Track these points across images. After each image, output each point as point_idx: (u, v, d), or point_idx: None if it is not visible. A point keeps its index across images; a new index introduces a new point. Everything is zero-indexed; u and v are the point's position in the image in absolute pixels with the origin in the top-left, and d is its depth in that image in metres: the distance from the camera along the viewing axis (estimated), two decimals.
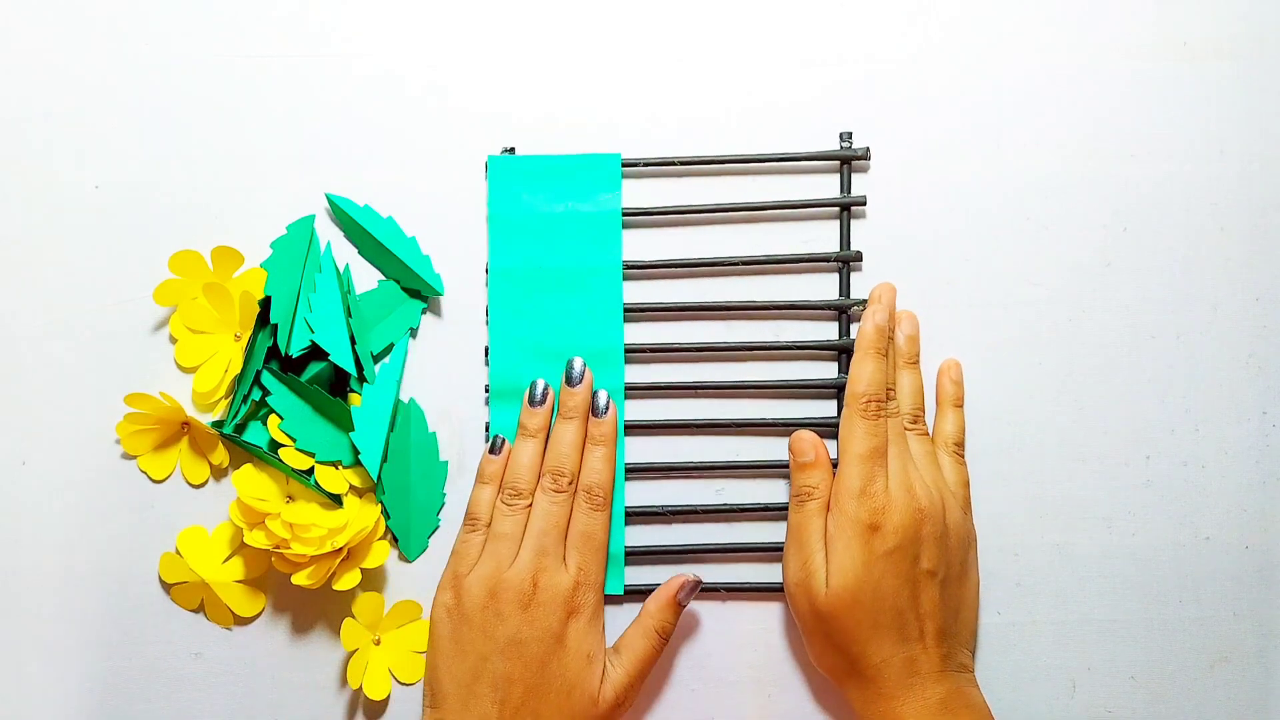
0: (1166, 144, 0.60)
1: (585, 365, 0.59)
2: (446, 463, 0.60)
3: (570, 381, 0.58)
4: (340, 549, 0.56)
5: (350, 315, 0.59)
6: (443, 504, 0.60)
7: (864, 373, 0.57)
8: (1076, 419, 0.60)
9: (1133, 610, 0.60)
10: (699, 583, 0.58)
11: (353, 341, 0.59)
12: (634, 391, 0.60)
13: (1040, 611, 0.60)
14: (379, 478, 0.59)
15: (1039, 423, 0.60)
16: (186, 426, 0.60)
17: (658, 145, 0.60)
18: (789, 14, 0.61)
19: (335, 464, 0.59)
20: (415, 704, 0.60)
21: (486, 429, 0.60)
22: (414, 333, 0.60)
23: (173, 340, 0.60)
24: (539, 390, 0.59)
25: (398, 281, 0.60)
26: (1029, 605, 0.60)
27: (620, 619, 0.60)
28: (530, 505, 0.57)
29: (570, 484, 0.57)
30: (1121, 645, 0.60)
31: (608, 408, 0.58)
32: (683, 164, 0.60)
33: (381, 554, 0.58)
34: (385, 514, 0.59)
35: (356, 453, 0.59)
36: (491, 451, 0.59)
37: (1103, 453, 0.60)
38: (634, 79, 0.61)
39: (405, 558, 0.60)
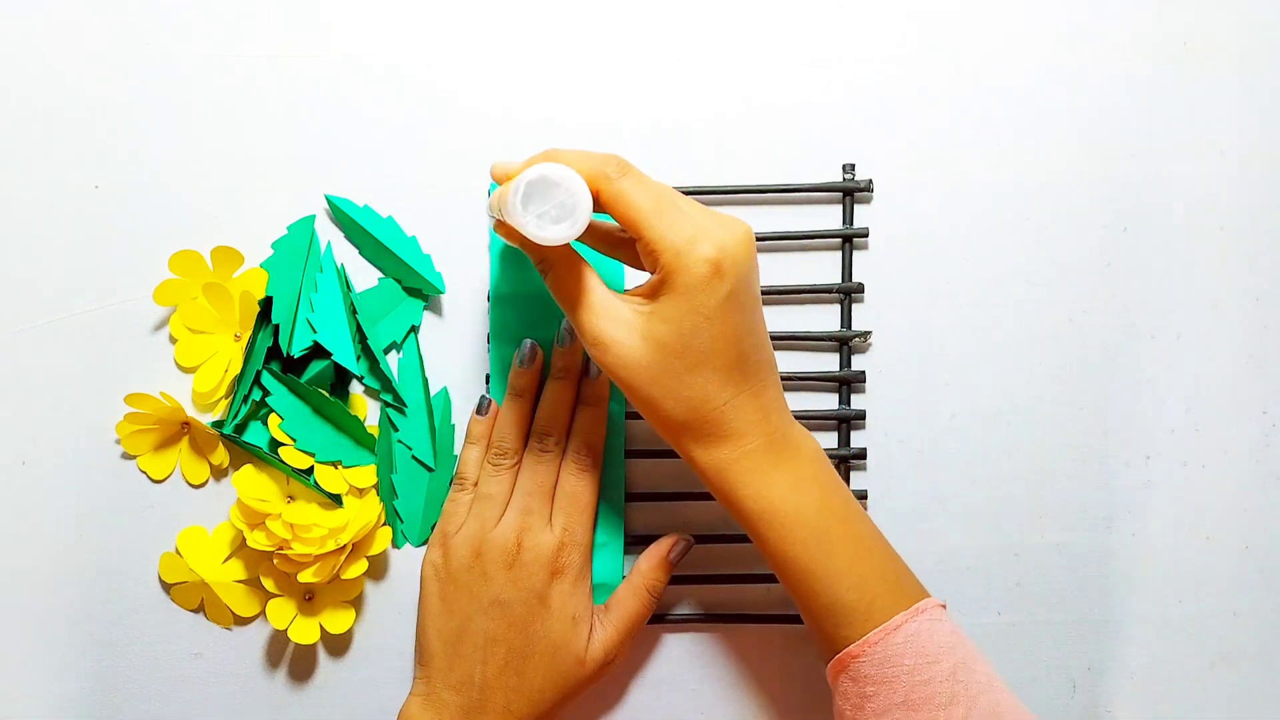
0: (1166, 144, 0.60)
1: None
2: (455, 456, 0.60)
3: (560, 341, 0.57)
4: (343, 546, 0.56)
5: (355, 313, 0.59)
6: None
7: None
8: (1076, 419, 0.60)
9: (1132, 610, 0.60)
10: (691, 543, 0.58)
11: (363, 337, 0.59)
12: (635, 418, 0.60)
13: (1040, 611, 0.60)
14: (433, 462, 0.60)
15: (1039, 423, 0.60)
16: (186, 426, 0.60)
17: (659, 145, 0.60)
18: (793, 25, 0.61)
19: (335, 464, 0.59)
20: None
21: None
22: (416, 331, 0.60)
23: (173, 340, 0.60)
24: (527, 351, 0.57)
25: (399, 281, 0.60)
26: (1029, 605, 0.60)
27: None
28: (517, 466, 0.57)
29: (558, 444, 0.57)
30: (1121, 645, 0.60)
31: (600, 370, 0.56)
32: (686, 193, 0.60)
33: (384, 540, 0.59)
34: (395, 494, 0.60)
35: (392, 449, 0.59)
36: (479, 412, 0.58)
37: (1103, 453, 0.60)
38: (637, 80, 0.60)
39: (412, 544, 0.60)
